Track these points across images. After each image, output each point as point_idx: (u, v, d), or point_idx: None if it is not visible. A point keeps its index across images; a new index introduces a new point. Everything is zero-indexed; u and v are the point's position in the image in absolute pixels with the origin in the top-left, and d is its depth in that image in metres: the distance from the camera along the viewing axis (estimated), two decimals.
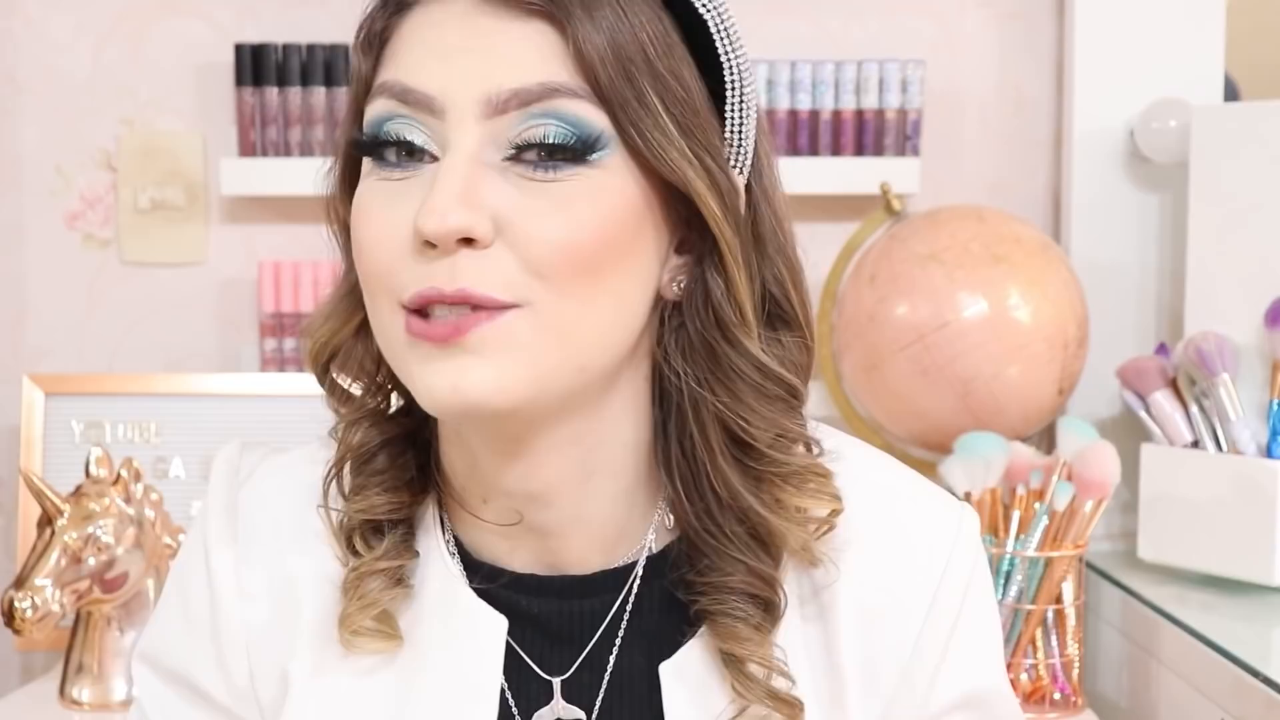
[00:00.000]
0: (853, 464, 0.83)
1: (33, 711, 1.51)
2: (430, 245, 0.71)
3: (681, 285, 0.79)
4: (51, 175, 1.81)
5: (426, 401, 0.74)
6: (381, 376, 0.82)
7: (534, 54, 0.72)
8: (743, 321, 0.77)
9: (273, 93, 1.74)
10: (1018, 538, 1.49)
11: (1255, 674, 1.30)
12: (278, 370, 1.76)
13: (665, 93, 0.74)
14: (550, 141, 0.72)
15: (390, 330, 0.75)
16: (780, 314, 0.80)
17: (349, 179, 0.79)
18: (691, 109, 0.75)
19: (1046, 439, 1.71)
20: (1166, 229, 1.76)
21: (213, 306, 1.83)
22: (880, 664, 0.81)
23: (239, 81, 1.74)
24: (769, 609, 0.80)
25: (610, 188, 0.73)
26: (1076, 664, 1.52)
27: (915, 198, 1.78)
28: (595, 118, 0.73)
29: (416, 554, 0.83)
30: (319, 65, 1.74)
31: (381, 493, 0.82)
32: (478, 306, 0.71)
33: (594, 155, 0.73)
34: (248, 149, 1.75)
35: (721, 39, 0.76)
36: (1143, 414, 1.61)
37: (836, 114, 1.77)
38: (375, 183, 0.75)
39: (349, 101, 0.79)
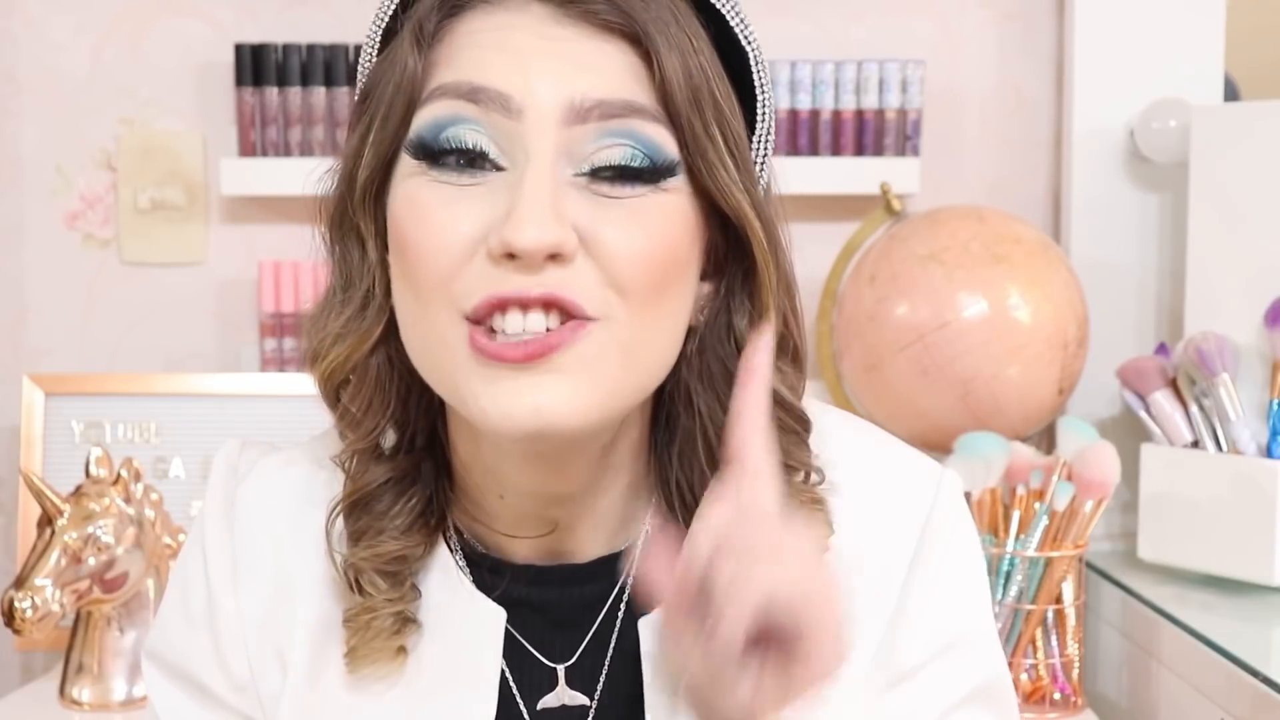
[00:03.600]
0: (835, 431, 0.84)
1: (33, 711, 1.51)
2: (510, 257, 0.69)
3: (704, 312, 0.79)
4: (51, 175, 1.81)
5: (500, 425, 0.71)
6: (381, 404, 0.79)
7: (614, 69, 0.72)
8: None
9: (273, 93, 1.74)
10: (1018, 538, 1.49)
11: (1255, 674, 1.30)
12: (278, 370, 1.76)
13: (724, 124, 0.74)
14: (629, 165, 0.71)
15: (451, 343, 0.72)
16: (781, 341, 0.80)
17: (376, 187, 0.76)
18: (741, 141, 0.75)
19: (1046, 439, 1.72)
20: (1166, 229, 1.76)
21: (213, 306, 1.83)
22: (866, 621, 0.82)
23: (239, 81, 1.74)
24: None
25: (676, 209, 0.74)
26: (1076, 664, 1.52)
27: (915, 198, 1.78)
28: (668, 143, 0.73)
29: (419, 594, 0.82)
30: (319, 65, 1.74)
31: (391, 539, 0.81)
32: (565, 313, 0.70)
33: (665, 182, 0.73)
34: (248, 149, 1.75)
35: (759, 73, 0.77)
36: (1143, 414, 1.61)
37: (836, 114, 1.77)
38: (429, 186, 0.72)
39: (384, 100, 0.74)
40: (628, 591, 0.83)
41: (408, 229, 0.73)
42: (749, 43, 0.77)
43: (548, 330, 0.71)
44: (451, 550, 0.84)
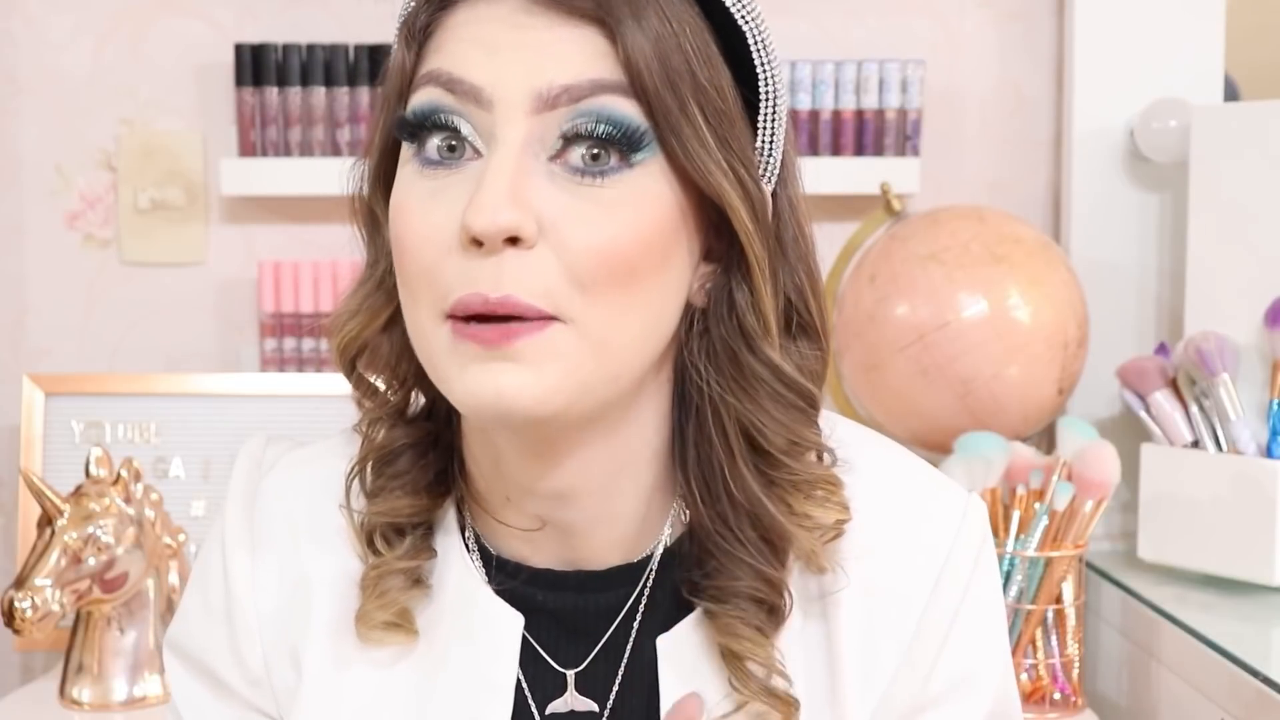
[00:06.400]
0: (859, 452, 0.84)
1: (33, 711, 1.51)
2: (476, 243, 0.71)
3: (708, 292, 0.79)
4: (51, 175, 1.81)
5: (469, 405, 0.73)
6: (405, 373, 0.83)
7: (582, 54, 0.73)
8: (766, 331, 0.78)
9: (273, 93, 1.74)
10: (1018, 538, 1.49)
11: (1255, 674, 1.30)
12: (278, 370, 1.76)
13: (705, 103, 0.74)
14: (598, 134, 0.72)
15: (431, 336, 0.74)
16: (799, 322, 0.81)
17: (385, 174, 0.79)
18: (729, 120, 0.75)
19: (1046, 439, 1.72)
20: (1166, 229, 1.76)
21: (213, 306, 1.83)
22: (881, 649, 0.82)
23: (239, 81, 1.74)
24: (773, 612, 0.80)
25: (651, 193, 0.74)
26: (1076, 664, 1.52)
27: (915, 198, 1.78)
28: (637, 117, 0.73)
29: (435, 553, 0.84)
30: (319, 65, 1.74)
31: (403, 495, 0.83)
32: (520, 317, 0.72)
33: (637, 156, 0.73)
34: (248, 149, 1.75)
35: (758, 51, 0.77)
36: (1143, 414, 1.61)
37: (836, 114, 1.77)
38: (416, 180, 0.75)
39: (385, 93, 0.79)
40: (643, 602, 0.83)
41: (395, 224, 0.75)
42: (746, 22, 0.77)
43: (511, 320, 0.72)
44: (469, 550, 0.84)
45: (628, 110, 0.73)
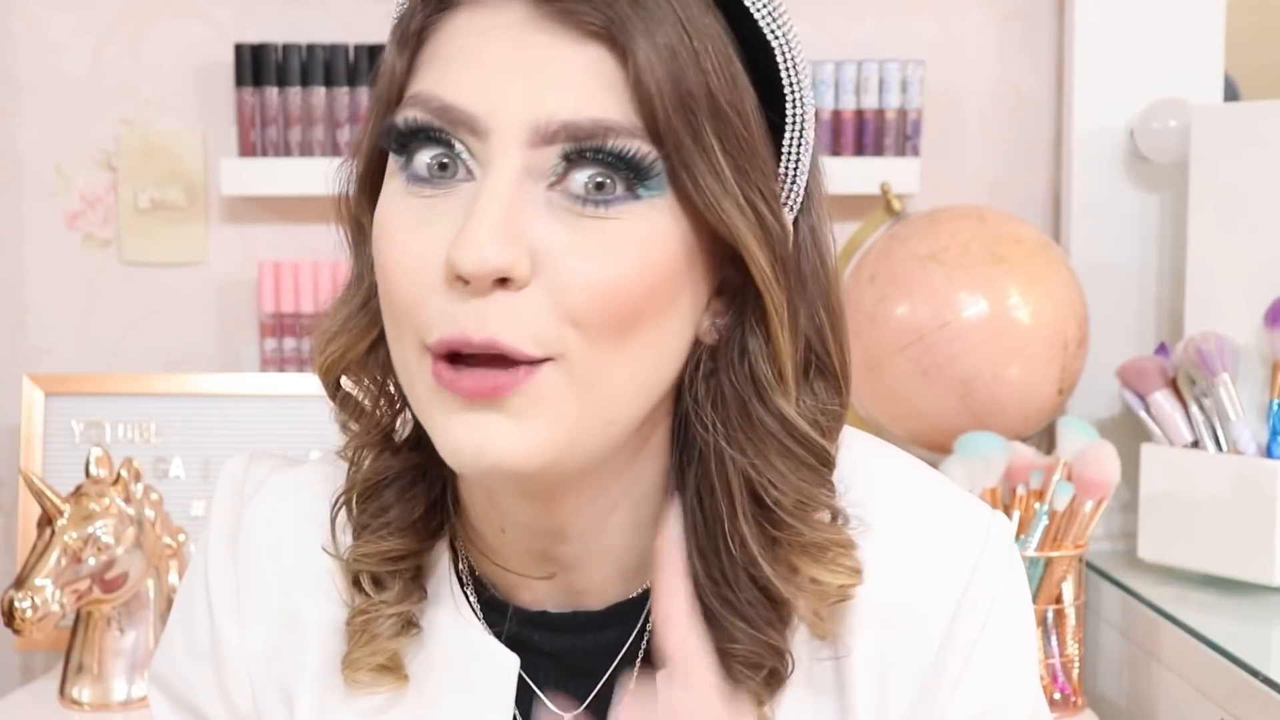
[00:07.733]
0: (869, 465, 0.79)
1: (33, 711, 1.51)
2: (462, 281, 0.65)
3: (720, 329, 0.73)
4: (51, 175, 1.81)
5: (452, 458, 0.68)
6: (393, 395, 0.78)
7: (588, 83, 0.66)
8: (780, 381, 0.73)
9: (273, 93, 1.74)
10: (1018, 538, 1.49)
11: (1255, 674, 1.30)
12: (277, 370, 1.76)
13: (724, 131, 0.68)
14: (603, 159, 0.66)
15: (415, 372, 0.69)
16: (816, 363, 0.75)
17: (372, 181, 0.73)
18: (749, 149, 0.69)
19: (1046, 439, 1.72)
20: (1166, 229, 1.76)
21: (213, 306, 1.83)
22: (897, 676, 0.76)
23: (239, 81, 1.74)
24: (772, 676, 0.76)
25: (658, 229, 0.68)
26: (1076, 664, 1.52)
27: (915, 198, 1.78)
28: (649, 150, 0.67)
29: (425, 595, 0.80)
30: (319, 65, 1.74)
31: (390, 536, 0.78)
32: (508, 359, 0.66)
33: (644, 189, 0.67)
34: (248, 149, 1.75)
35: (788, 71, 0.72)
36: (1143, 414, 1.61)
37: (836, 114, 1.77)
38: (401, 198, 0.69)
39: (376, 96, 0.72)
40: (645, 637, 0.79)
41: (379, 247, 0.70)
42: (776, 36, 0.71)
43: (499, 367, 0.67)
44: (463, 584, 0.81)
45: (634, 149, 0.66)
